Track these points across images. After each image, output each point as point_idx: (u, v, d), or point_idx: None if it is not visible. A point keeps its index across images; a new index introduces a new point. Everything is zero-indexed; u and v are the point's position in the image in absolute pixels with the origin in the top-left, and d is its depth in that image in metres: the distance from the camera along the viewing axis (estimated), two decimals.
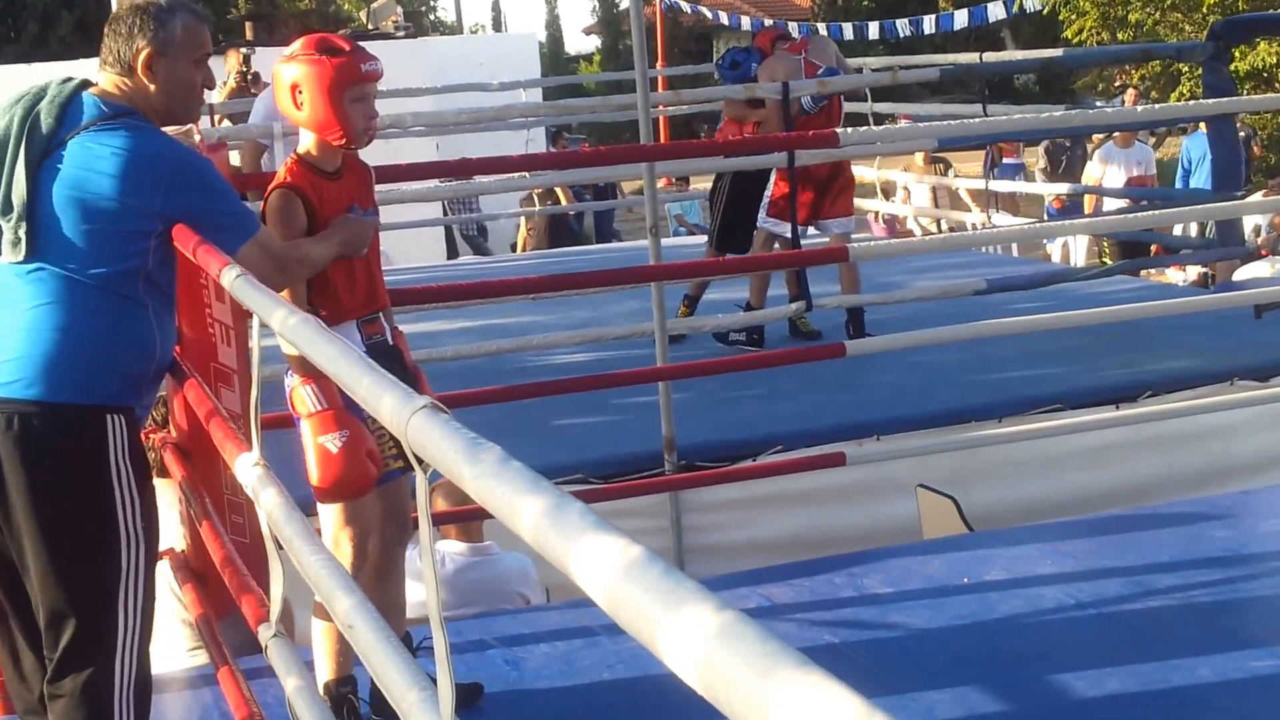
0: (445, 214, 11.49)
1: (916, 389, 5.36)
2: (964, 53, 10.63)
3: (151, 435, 3.35)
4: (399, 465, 2.83)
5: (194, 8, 2.66)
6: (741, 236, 6.33)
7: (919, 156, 11.10)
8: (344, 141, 2.77)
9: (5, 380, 2.45)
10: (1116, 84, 18.85)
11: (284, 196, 2.76)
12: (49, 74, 2.79)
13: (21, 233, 2.46)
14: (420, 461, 1.31)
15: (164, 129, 2.65)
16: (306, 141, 2.81)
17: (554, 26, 40.63)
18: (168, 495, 3.32)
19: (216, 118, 7.52)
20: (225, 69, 8.19)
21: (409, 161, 5.15)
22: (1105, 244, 10.37)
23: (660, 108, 9.06)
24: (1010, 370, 5.54)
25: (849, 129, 5.92)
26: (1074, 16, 16.74)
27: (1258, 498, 4.40)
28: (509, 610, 3.71)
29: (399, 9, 17.35)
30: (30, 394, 2.44)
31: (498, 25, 45.15)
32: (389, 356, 2.81)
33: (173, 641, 3.46)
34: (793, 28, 8.48)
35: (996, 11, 9.02)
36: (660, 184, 7.64)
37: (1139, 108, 10.14)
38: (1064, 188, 10.24)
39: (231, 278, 2.24)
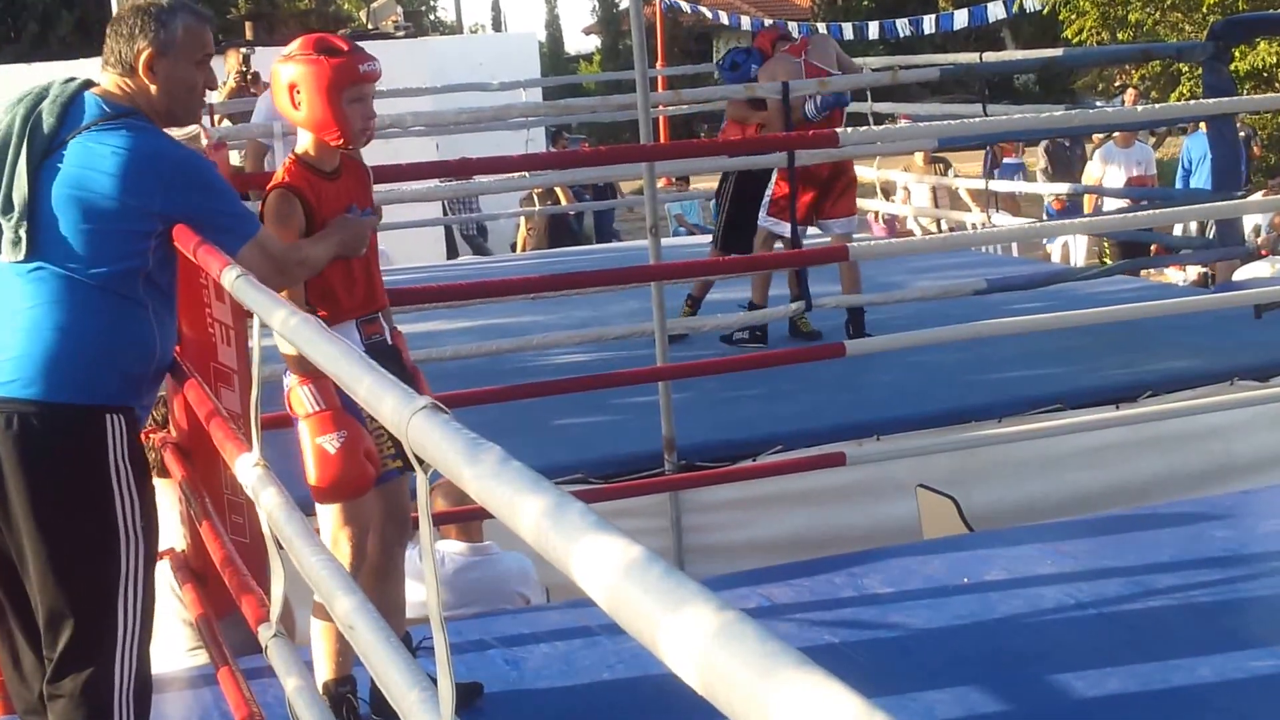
0: (445, 214, 11.49)
1: (916, 389, 5.36)
2: (964, 53, 10.63)
3: (151, 435, 3.35)
4: (397, 465, 2.83)
5: (196, 8, 2.66)
6: (746, 236, 6.34)
7: (919, 156, 11.10)
8: (341, 142, 2.77)
9: (5, 379, 2.45)
10: (1116, 84, 18.86)
11: (282, 197, 2.76)
12: (49, 74, 2.79)
13: (22, 232, 2.46)
14: (421, 462, 1.31)
15: (169, 131, 2.65)
16: (304, 141, 2.81)
17: (554, 26, 40.66)
18: (168, 495, 3.32)
19: (216, 118, 7.52)
20: (225, 69, 8.19)
21: (409, 161, 5.15)
22: (1105, 244, 10.37)
23: (660, 108, 9.06)
24: (1010, 370, 5.54)
25: (849, 129, 5.93)
26: (1074, 16, 16.74)
27: (1258, 498, 4.40)
28: (509, 610, 3.71)
29: (399, 9, 17.38)
30: (30, 393, 2.45)
31: (498, 25, 45.20)
32: (388, 356, 2.82)
33: (173, 641, 3.46)
34: (793, 27, 8.49)
35: (996, 11, 9.02)
36: (660, 184, 7.63)
37: (1139, 108, 10.14)
38: (1064, 188, 10.24)
39: (232, 278, 2.24)
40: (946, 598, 3.62)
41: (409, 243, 9.78)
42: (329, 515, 2.75)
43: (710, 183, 7.55)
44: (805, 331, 6.27)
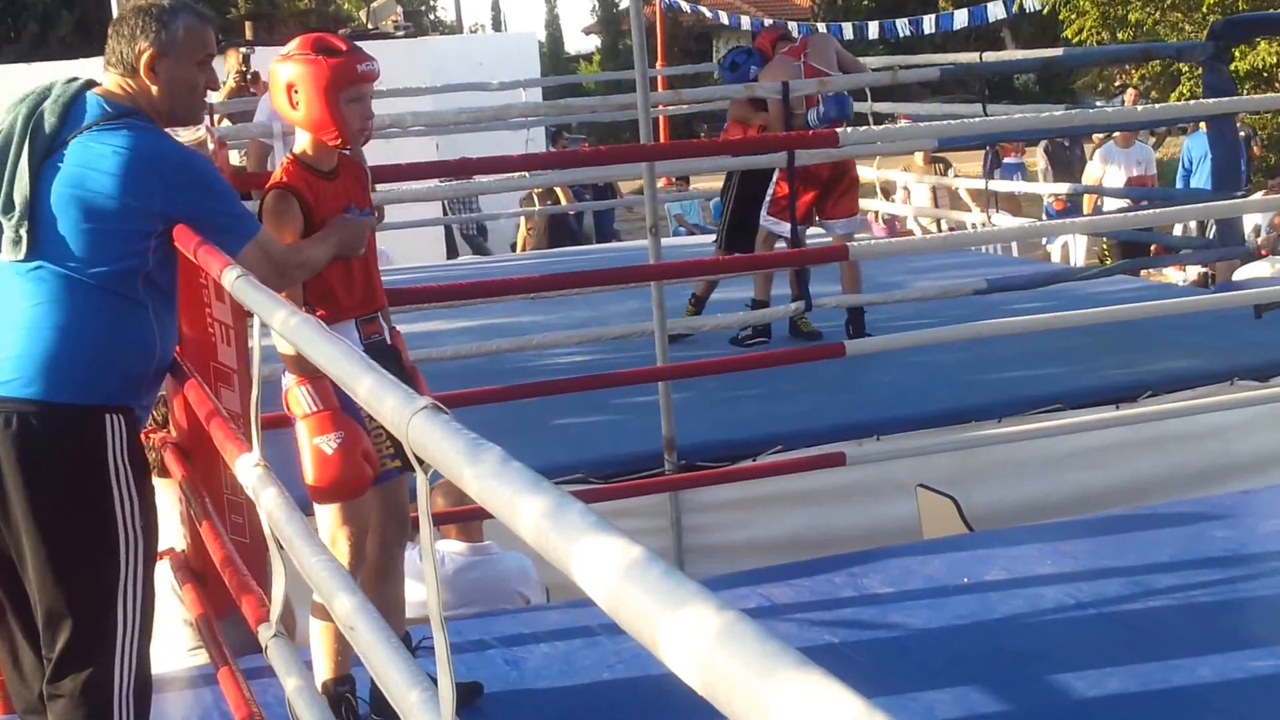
0: (445, 214, 11.49)
1: (916, 389, 5.36)
2: (964, 52, 10.63)
3: (151, 435, 3.35)
4: (396, 465, 2.83)
5: (197, 9, 2.66)
6: (750, 237, 6.35)
7: (919, 156, 11.10)
8: (339, 142, 2.77)
9: (4, 379, 2.45)
10: (1116, 84, 18.85)
11: (280, 196, 2.76)
12: (49, 74, 2.79)
13: (23, 231, 2.46)
14: (421, 462, 1.31)
15: (173, 131, 2.65)
16: (303, 141, 2.81)
17: (554, 26, 40.66)
18: (168, 495, 3.32)
19: (216, 117, 7.51)
20: (225, 69, 8.18)
21: (409, 161, 5.15)
22: (1105, 244, 10.37)
23: (660, 107, 9.06)
24: (1010, 370, 5.54)
25: (849, 129, 5.93)
26: (1074, 16, 16.73)
27: (1258, 498, 4.40)
28: (509, 610, 3.71)
29: (399, 8, 17.38)
30: (29, 393, 2.45)
31: (497, 25, 45.19)
32: (387, 356, 2.81)
33: (173, 641, 3.46)
34: (793, 27, 8.48)
35: (996, 11, 9.02)
36: (660, 184, 7.63)
37: (1139, 108, 10.13)
38: (1064, 188, 10.25)
39: (232, 278, 2.24)
40: (946, 598, 3.62)
41: (409, 243, 9.77)
42: (327, 515, 2.75)
43: (710, 183, 7.55)
44: (805, 331, 6.27)
